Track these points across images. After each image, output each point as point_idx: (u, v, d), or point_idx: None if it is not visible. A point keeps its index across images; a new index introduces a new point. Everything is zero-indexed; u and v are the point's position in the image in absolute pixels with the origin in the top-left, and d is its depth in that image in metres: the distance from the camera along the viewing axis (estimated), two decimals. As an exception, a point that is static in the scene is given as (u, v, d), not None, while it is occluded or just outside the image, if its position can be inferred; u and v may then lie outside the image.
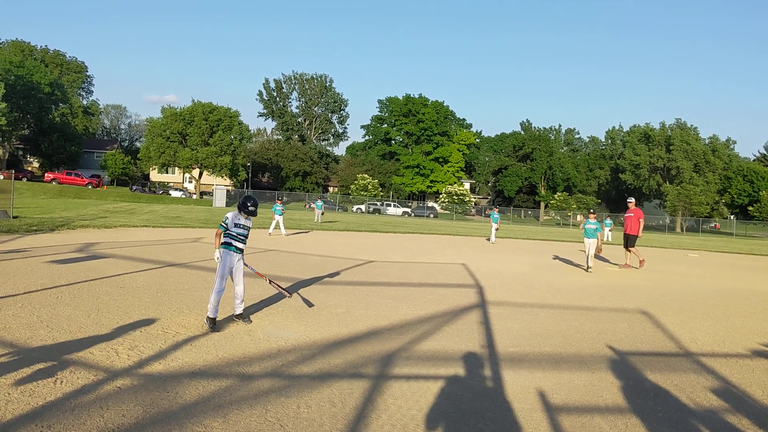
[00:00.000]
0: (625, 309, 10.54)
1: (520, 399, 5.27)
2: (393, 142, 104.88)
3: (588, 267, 16.42)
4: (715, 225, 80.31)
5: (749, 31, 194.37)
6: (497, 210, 31.21)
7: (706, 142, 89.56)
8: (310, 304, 9.09)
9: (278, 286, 8.64)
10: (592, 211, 17.05)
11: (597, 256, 19.88)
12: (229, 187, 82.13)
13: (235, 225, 7.48)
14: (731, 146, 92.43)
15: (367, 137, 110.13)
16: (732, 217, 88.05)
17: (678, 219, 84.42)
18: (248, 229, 7.69)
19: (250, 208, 7.55)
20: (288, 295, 8.58)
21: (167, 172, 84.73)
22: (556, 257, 21.43)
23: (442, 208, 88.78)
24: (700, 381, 6.14)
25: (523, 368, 6.29)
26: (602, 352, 7.19)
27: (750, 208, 79.07)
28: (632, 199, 18.82)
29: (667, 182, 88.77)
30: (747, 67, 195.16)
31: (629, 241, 18.04)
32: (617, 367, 6.51)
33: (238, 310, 7.63)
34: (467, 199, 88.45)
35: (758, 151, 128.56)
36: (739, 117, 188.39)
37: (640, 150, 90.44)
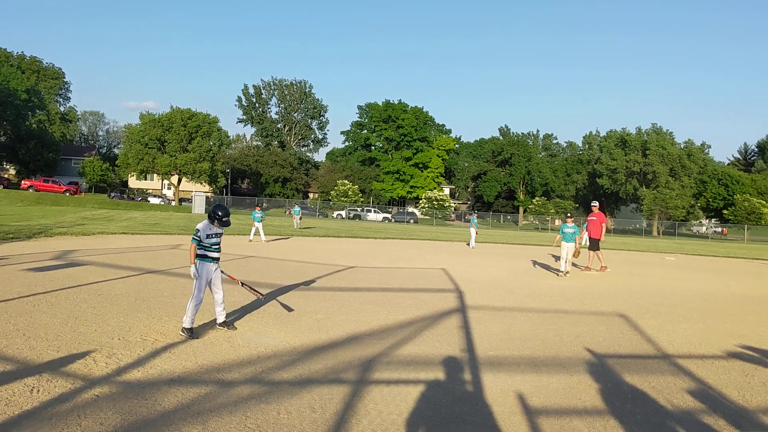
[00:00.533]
0: (603, 312, 10.64)
1: (499, 402, 5.29)
2: (373, 147, 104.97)
3: (566, 272, 16.48)
4: (723, 231, 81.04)
5: (724, 36, 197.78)
6: (476, 215, 31.36)
7: (682, 146, 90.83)
8: (289, 309, 9.06)
9: (250, 288, 8.59)
10: (569, 215, 17.14)
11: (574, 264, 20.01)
12: (209, 194, 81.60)
13: (208, 236, 7.33)
14: (706, 150, 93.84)
15: (347, 143, 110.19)
16: (707, 220, 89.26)
17: (655, 223, 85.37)
18: (221, 236, 7.57)
19: (223, 219, 7.37)
20: (261, 296, 8.55)
21: (146, 179, 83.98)
22: (534, 261, 21.57)
23: (422, 214, 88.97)
24: (677, 383, 6.21)
25: (503, 372, 6.32)
26: (581, 355, 7.24)
27: (725, 212, 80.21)
28: (596, 203, 19.02)
29: (644, 186, 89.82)
30: (721, 73, 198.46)
31: (592, 245, 18.27)
32: (595, 370, 6.57)
33: (221, 318, 7.58)
34: (447, 204, 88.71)
35: (732, 155, 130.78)
36: (714, 122, 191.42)
37: (617, 155, 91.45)
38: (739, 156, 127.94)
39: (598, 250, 18.30)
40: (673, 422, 4.98)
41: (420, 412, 4.93)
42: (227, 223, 7.44)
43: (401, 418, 4.75)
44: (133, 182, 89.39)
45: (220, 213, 7.39)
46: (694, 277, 18.61)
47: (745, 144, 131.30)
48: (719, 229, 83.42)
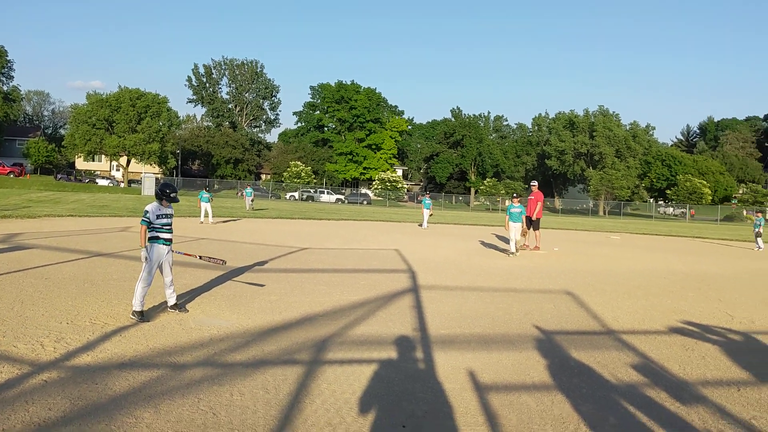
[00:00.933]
0: (551, 290, 10.91)
1: (450, 379, 5.40)
2: (326, 129, 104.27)
3: (514, 251, 16.72)
4: (691, 212, 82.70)
5: (668, 20, 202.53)
6: (429, 196, 31.54)
7: (627, 128, 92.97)
8: (260, 285, 9.01)
9: (209, 258, 8.47)
10: (515, 195, 17.30)
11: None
12: (158, 175, 79.90)
13: (158, 217, 7.20)
14: (651, 132, 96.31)
15: (299, 124, 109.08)
16: (651, 200, 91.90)
17: (601, 203, 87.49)
18: (171, 216, 7.46)
19: (171, 195, 7.30)
20: (222, 262, 8.46)
21: (93, 160, 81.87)
22: (485, 242, 21.89)
23: (375, 195, 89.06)
24: (622, 357, 6.43)
25: (454, 349, 6.45)
26: (529, 332, 7.43)
27: (668, 192, 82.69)
28: (535, 183, 19.39)
29: (591, 167, 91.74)
30: (665, 57, 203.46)
31: (531, 224, 18.67)
32: (543, 347, 6.76)
33: (171, 301, 7.48)
34: (400, 185, 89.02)
35: (675, 137, 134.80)
36: (658, 104, 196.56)
37: (565, 136, 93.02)
38: (681, 137, 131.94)
39: (537, 229, 18.74)
40: (618, 396, 5.16)
41: (373, 390, 5.00)
42: (176, 199, 7.37)
43: (354, 396, 4.81)
44: (81, 164, 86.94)
45: (168, 190, 7.32)
46: (637, 256, 19.20)
47: (687, 126, 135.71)
48: (685, 210, 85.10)
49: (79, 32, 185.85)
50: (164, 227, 7.25)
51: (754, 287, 12.50)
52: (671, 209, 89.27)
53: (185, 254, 8.39)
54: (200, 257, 8.44)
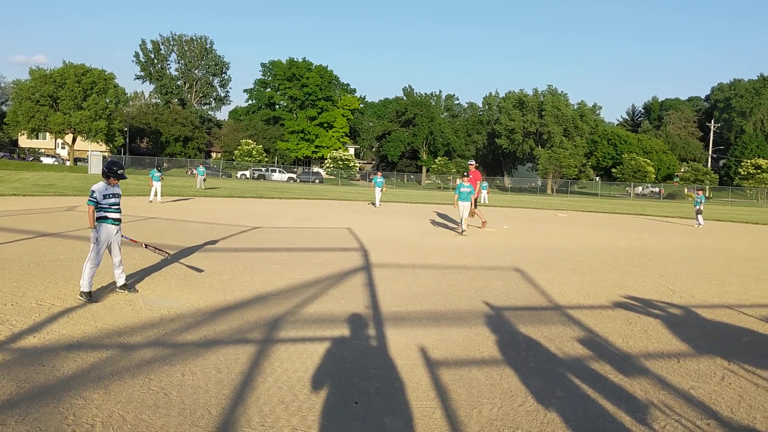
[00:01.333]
0: (500, 267, 11.12)
1: (402, 356, 5.47)
2: (277, 106, 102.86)
3: (462, 230, 16.84)
4: (660, 190, 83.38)
5: (615, 2, 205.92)
6: (380, 174, 31.56)
7: (575, 107, 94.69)
8: (198, 270, 8.86)
9: (155, 248, 8.34)
10: (465, 174, 17.41)
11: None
12: (106, 153, 77.64)
13: (105, 197, 7.02)
14: (597, 112, 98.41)
15: (250, 102, 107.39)
16: (597, 178, 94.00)
17: (549, 181, 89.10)
18: (119, 196, 7.29)
19: (119, 172, 7.14)
20: (167, 255, 8.32)
21: (38, 138, 79.36)
22: (436, 220, 22.10)
23: (327, 174, 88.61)
24: (568, 332, 6.62)
25: (406, 326, 6.53)
26: (479, 309, 7.57)
27: (614, 170, 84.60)
28: (472, 162, 19.69)
29: (539, 146, 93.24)
30: (612, 38, 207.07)
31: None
32: (493, 322, 6.90)
33: (120, 281, 7.35)
34: (352, 164, 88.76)
35: (621, 117, 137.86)
36: (605, 84, 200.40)
37: (515, 115, 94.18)
38: (627, 117, 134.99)
39: (476, 207, 18.74)
40: (564, 369, 5.32)
41: (325, 368, 5.03)
42: (123, 176, 7.22)
43: (307, 374, 4.84)
44: (24, 141, 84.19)
45: (115, 167, 7.18)
46: (584, 233, 19.69)
47: (632, 106, 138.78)
48: (657, 190, 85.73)
49: (20, 4, 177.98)
50: (112, 207, 7.09)
51: (693, 262, 12.98)
52: (641, 189, 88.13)
53: (131, 240, 8.19)
54: (146, 246, 8.27)
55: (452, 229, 18.39)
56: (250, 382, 4.60)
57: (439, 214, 25.34)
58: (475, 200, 18.65)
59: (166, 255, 8.35)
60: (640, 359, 5.69)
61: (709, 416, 4.30)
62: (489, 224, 19.28)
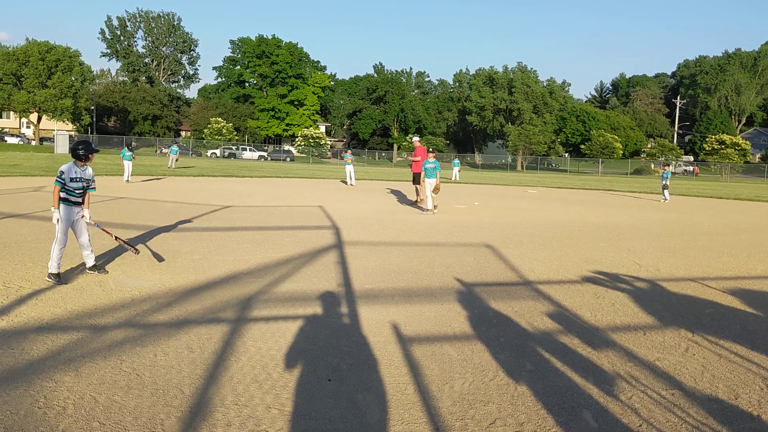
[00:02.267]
0: (471, 243, 11.21)
1: (375, 333, 5.52)
2: (247, 84, 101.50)
3: (432, 208, 16.50)
4: (694, 169, 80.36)
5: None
6: (350, 153, 31.39)
7: (545, 84, 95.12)
8: (160, 259, 8.66)
9: (124, 242, 8.20)
10: (431, 150, 17.11)
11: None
12: (72, 133, 76.07)
13: (71, 179, 6.87)
14: (566, 89, 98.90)
15: (219, 79, 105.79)
16: (566, 155, 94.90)
17: (519, 158, 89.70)
18: (87, 181, 7.10)
19: (79, 153, 6.95)
20: (135, 251, 8.13)
21: (2, 117, 77.25)
22: (407, 198, 22.13)
23: (298, 152, 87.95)
24: (538, 307, 6.72)
25: (378, 304, 6.57)
26: (451, 285, 7.65)
27: (582, 147, 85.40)
28: (416, 138, 19.54)
29: (510, 123, 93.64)
30: (580, 15, 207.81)
31: (415, 179, 18.52)
32: (464, 298, 6.98)
33: (90, 262, 7.25)
34: (323, 142, 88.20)
35: (590, 93, 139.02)
36: (574, 61, 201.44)
37: (485, 92, 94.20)
38: (595, 94, 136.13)
39: (419, 184, 18.23)
40: (534, 343, 5.42)
41: (298, 346, 5.06)
42: (83, 157, 7.01)
43: (280, 353, 4.86)
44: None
45: (78, 148, 7.01)
46: (553, 208, 19.93)
47: (601, 82, 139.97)
48: (690, 168, 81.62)
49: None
50: (75, 191, 6.92)
51: (659, 237, 13.23)
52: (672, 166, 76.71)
53: (103, 230, 7.98)
54: (116, 238, 8.02)
55: (421, 208, 18.27)
56: (224, 362, 4.61)
57: (412, 191, 25.35)
58: (418, 175, 18.20)
59: (135, 251, 8.13)
60: (608, 332, 5.82)
61: (673, 387, 4.43)
62: (460, 201, 19.33)
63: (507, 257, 9.83)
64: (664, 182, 25.73)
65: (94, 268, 7.26)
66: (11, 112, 72.06)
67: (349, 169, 29.62)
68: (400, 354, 4.98)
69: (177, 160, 36.24)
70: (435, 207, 16.70)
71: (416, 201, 18.63)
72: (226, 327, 5.49)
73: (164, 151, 51.38)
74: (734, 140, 76.96)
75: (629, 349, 5.31)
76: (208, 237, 10.66)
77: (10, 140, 71.37)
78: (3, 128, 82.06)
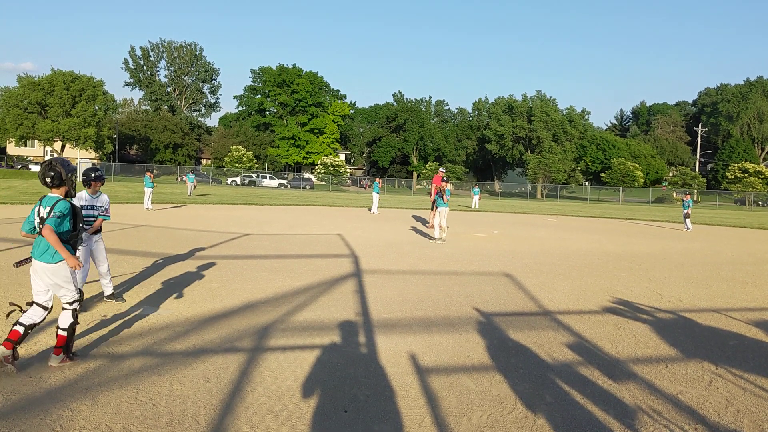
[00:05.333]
0: (491, 272, 11.14)
1: (392, 363, 5.47)
2: (267, 113, 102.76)
3: (439, 237, 16.17)
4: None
5: (603, 12, 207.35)
6: (379, 181, 31.37)
7: (564, 112, 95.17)
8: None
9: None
10: (445, 179, 16.79)
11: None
12: (95, 161, 77.31)
13: (84, 207, 6.89)
14: (586, 117, 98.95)
15: (240, 108, 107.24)
16: (587, 183, 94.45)
17: (539, 186, 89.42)
18: (98, 208, 7.13)
19: (83, 178, 7.00)
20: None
21: (26, 145, 79.08)
22: (427, 226, 22.09)
23: (318, 180, 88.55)
24: (557, 337, 6.64)
25: (396, 333, 6.53)
26: (469, 315, 7.58)
27: (602, 175, 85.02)
28: (442, 169, 20.46)
29: (529, 151, 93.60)
30: (601, 46, 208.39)
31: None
32: (483, 328, 6.91)
33: (108, 290, 7.29)
34: (343, 170, 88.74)
35: (610, 121, 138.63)
36: (594, 90, 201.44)
37: (504, 121, 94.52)
38: (615, 122, 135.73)
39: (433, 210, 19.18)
40: (553, 374, 5.33)
41: (316, 376, 5.03)
42: (89, 182, 7.03)
43: (297, 383, 4.83)
44: (12, 149, 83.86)
45: (89, 173, 7.03)
46: (573, 237, 19.76)
47: (621, 110, 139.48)
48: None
49: (8, 11, 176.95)
50: (87, 219, 6.94)
51: (682, 267, 13.05)
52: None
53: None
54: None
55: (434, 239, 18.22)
56: (240, 392, 4.59)
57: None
58: (433, 203, 18.90)
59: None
60: (629, 364, 5.72)
61: (696, 421, 4.33)
62: (480, 230, 19.30)
63: (526, 287, 9.74)
64: (685, 211, 25.45)
65: (112, 296, 7.31)
66: (36, 141, 73.45)
67: (376, 196, 29.41)
68: (417, 385, 4.93)
69: (195, 187, 36.63)
70: (441, 238, 16.23)
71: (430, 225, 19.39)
72: (243, 356, 5.48)
73: (184, 179, 52.16)
74: (757, 168, 76.16)
75: (651, 381, 5.21)
76: (227, 265, 10.70)
77: (34, 168, 72.70)
78: (27, 156, 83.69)
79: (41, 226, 4.83)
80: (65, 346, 5.05)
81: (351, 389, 4.75)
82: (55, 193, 5.06)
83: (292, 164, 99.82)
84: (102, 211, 7.22)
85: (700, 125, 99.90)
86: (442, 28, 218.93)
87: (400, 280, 9.98)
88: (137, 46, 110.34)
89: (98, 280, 7.47)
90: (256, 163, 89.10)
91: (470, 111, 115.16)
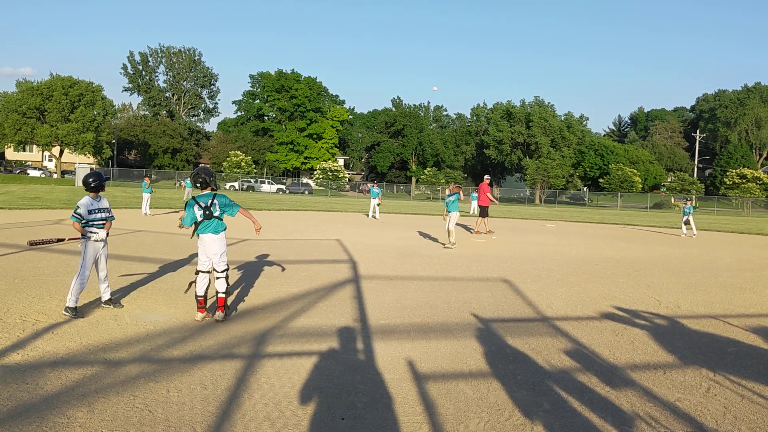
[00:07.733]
0: (489, 278, 11.13)
1: (390, 370, 5.47)
2: (266, 118, 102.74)
3: (453, 243, 16.15)
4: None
5: (600, 22, 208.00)
6: (376, 185, 31.24)
7: (562, 118, 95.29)
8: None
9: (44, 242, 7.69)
10: (452, 184, 16.87)
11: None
12: (94, 166, 77.29)
13: (90, 212, 6.94)
14: (584, 123, 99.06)
15: (239, 113, 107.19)
16: (585, 188, 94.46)
17: (537, 191, 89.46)
18: (106, 210, 7.21)
19: (92, 185, 7.02)
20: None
21: (24, 150, 79.01)
22: (425, 231, 22.10)
23: (316, 185, 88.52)
24: (555, 344, 6.63)
25: (394, 339, 6.52)
26: (467, 321, 7.57)
27: (601, 180, 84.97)
28: (459, 185, 21.28)
29: (527, 157, 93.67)
30: (598, 53, 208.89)
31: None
32: (481, 335, 6.90)
33: (106, 296, 7.29)
34: (341, 175, 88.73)
35: (608, 127, 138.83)
36: (592, 95, 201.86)
37: (503, 126, 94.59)
38: (613, 127, 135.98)
39: (484, 216, 21.20)
40: (551, 381, 5.33)
41: (313, 383, 5.02)
42: (97, 188, 7.08)
43: (294, 390, 4.82)
44: (11, 154, 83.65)
45: (89, 180, 7.06)
46: (572, 243, 19.75)
47: (619, 116, 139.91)
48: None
49: (6, 16, 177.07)
50: (97, 222, 7.02)
51: (680, 273, 13.05)
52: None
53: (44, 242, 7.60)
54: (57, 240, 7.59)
55: (442, 243, 18.26)
56: (236, 399, 4.58)
57: (431, 225, 25.32)
58: (483, 208, 21.55)
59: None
60: (627, 371, 5.72)
61: (694, 428, 4.33)
62: (479, 235, 19.40)
63: (524, 292, 9.74)
64: (685, 217, 25.43)
65: (109, 302, 7.30)
66: (34, 146, 73.47)
67: (374, 201, 29.33)
68: (415, 392, 4.92)
69: (190, 193, 36.61)
70: (451, 243, 16.29)
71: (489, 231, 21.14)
72: (240, 363, 5.47)
73: (182, 184, 52.29)
74: (755, 174, 76.22)
75: (649, 388, 5.21)
76: (225, 270, 10.67)
77: (33, 173, 72.69)
78: (26, 161, 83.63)
79: (216, 213, 7.15)
80: (225, 305, 7.03)
81: (348, 396, 4.74)
82: (206, 191, 7.11)
83: (291, 169, 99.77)
84: (107, 213, 7.27)
85: (698, 131, 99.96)
86: (441, 35, 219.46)
87: (398, 285, 9.97)
88: (136, 51, 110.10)
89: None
90: (255, 168, 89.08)
91: (469, 117, 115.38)
